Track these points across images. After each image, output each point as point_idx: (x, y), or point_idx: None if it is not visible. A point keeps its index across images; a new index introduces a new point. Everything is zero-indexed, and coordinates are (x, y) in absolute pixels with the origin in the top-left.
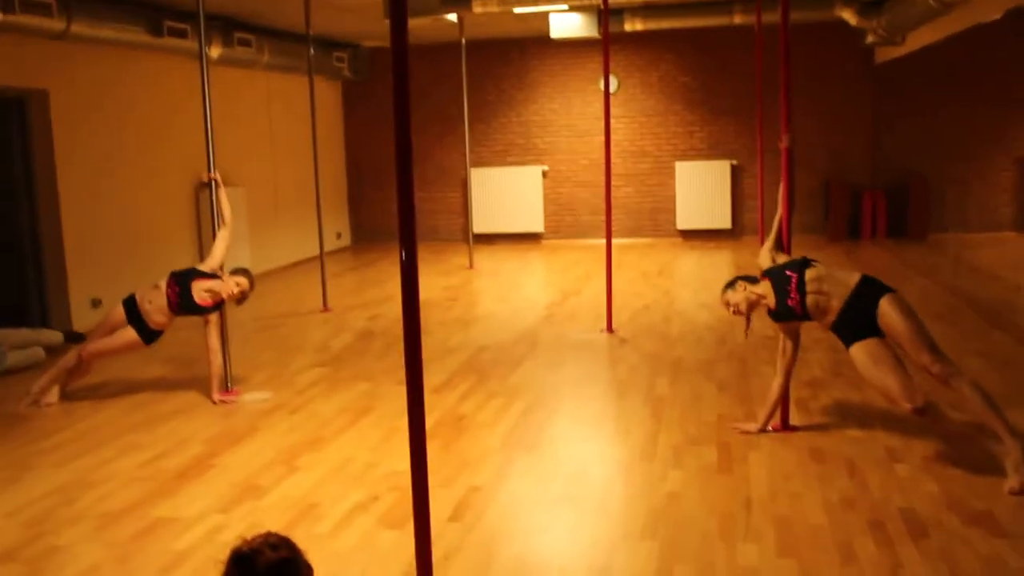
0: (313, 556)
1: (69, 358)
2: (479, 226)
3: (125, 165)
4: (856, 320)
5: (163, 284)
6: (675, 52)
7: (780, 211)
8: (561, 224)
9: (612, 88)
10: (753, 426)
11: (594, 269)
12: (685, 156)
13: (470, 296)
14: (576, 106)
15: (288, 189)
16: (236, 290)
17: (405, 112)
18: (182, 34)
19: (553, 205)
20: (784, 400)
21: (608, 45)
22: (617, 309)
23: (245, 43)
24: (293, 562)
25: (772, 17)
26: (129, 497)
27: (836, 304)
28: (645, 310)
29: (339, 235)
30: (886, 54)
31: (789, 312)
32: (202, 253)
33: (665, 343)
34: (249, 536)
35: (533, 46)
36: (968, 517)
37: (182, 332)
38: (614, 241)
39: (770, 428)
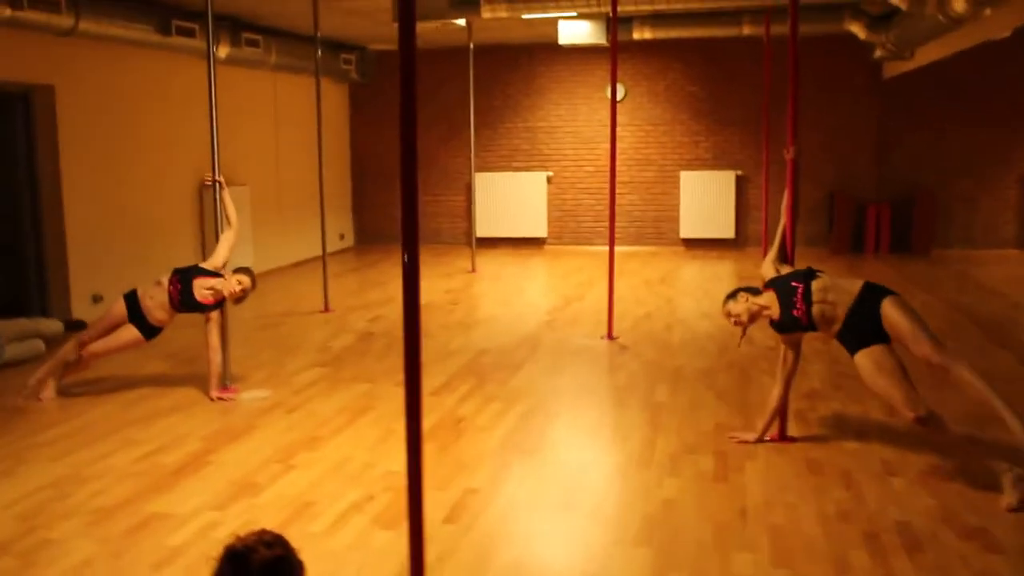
0: (307, 555)
1: (67, 350)
2: (482, 230)
3: (130, 162)
4: (861, 327)
5: (165, 281)
6: (683, 62)
7: (784, 221)
8: (564, 230)
9: (619, 96)
10: (751, 436)
11: (596, 276)
12: (690, 166)
13: (471, 300)
14: (583, 113)
15: (292, 189)
16: (238, 288)
17: (412, 115)
18: (190, 33)
19: (557, 211)
20: (783, 411)
21: (616, 53)
22: (618, 316)
23: (253, 43)
24: (286, 560)
25: (781, 29)
26: (124, 492)
27: (841, 313)
28: (646, 318)
29: (342, 236)
30: (894, 69)
31: (793, 322)
32: (205, 251)
33: (666, 351)
34: (243, 533)
35: (541, 52)
36: (963, 532)
37: (183, 330)
38: (617, 248)
39: (768, 438)
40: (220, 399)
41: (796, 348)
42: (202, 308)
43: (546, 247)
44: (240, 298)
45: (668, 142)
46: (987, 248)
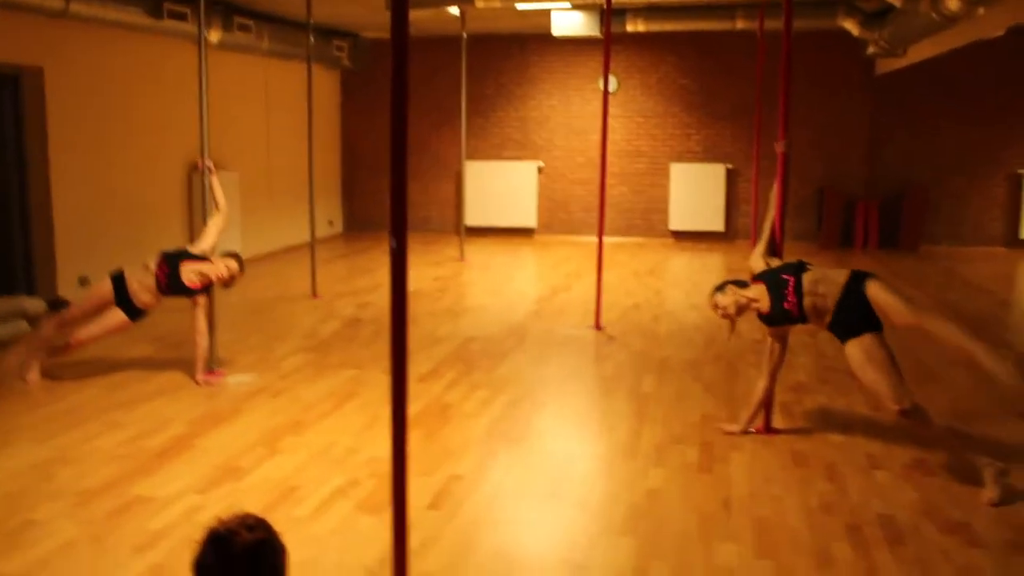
0: (291, 539)
1: (48, 329)
2: (472, 219)
3: (119, 146)
4: (851, 316)
5: (153, 264)
6: (676, 54)
7: (772, 214)
8: (554, 220)
9: (611, 88)
10: (736, 427)
11: (585, 266)
12: (681, 158)
13: (460, 288)
14: (575, 104)
15: (282, 175)
16: (226, 273)
17: (402, 102)
18: (182, 17)
19: (547, 201)
20: (768, 403)
21: (609, 45)
22: (607, 307)
23: (245, 28)
24: (269, 543)
25: (775, 24)
26: (108, 475)
27: (831, 304)
28: (635, 309)
29: (331, 222)
30: (887, 65)
31: (784, 315)
32: (193, 235)
33: (653, 342)
34: (225, 517)
35: (534, 42)
36: (945, 526)
37: (169, 314)
38: (606, 239)
39: (753, 430)
40: (206, 383)
41: (783, 341)
42: (189, 292)
43: (536, 237)
44: (228, 283)
45: (659, 134)
46: (975, 245)
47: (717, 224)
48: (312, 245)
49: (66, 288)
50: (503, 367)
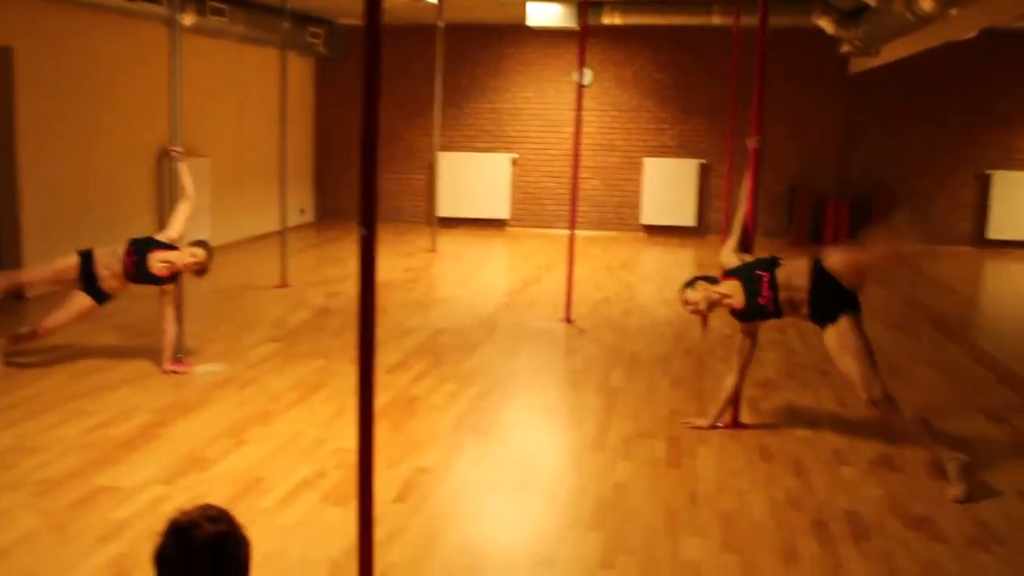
0: (256, 530)
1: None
2: (444, 210)
3: (90, 129)
4: (824, 299)
5: (121, 251)
6: (651, 48)
7: (744, 209)
8: (527, 212)
9: (586, 81)
10: (704, 422)
11: (556, 259)
12: (654, 152)
13: (431, 279)
14: (549, 96)
15: (254, 162)
16: (191, 261)
17: (374, 90)
18: (155, 0)
19: (520, 193)
20: (736, 398)
21: (585, 37)
22: (577, 300)
23: (219, 12)
24: (231, 535)
25: (750, 20)
26: (71, 464)
27: (804, 295)
28: (605, 302)
29: (303, 211)
30: (860, 64)
31: (758, 310)
32: (163, 221)
33: (623, 336)
34: (187, 508)
35: (510, 33)
36: (909, 521)
37: (136, 301)
38: (578, 233)
39: (721, 425)
40: (173, 372)
41: (753, 337)
42: (157, 280)
43: (508, 229)
44: (200, 271)
45: (633, 128)
46: (942, 245)
47: (689, 219)
48: (283, 234)
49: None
50: (472, 359)
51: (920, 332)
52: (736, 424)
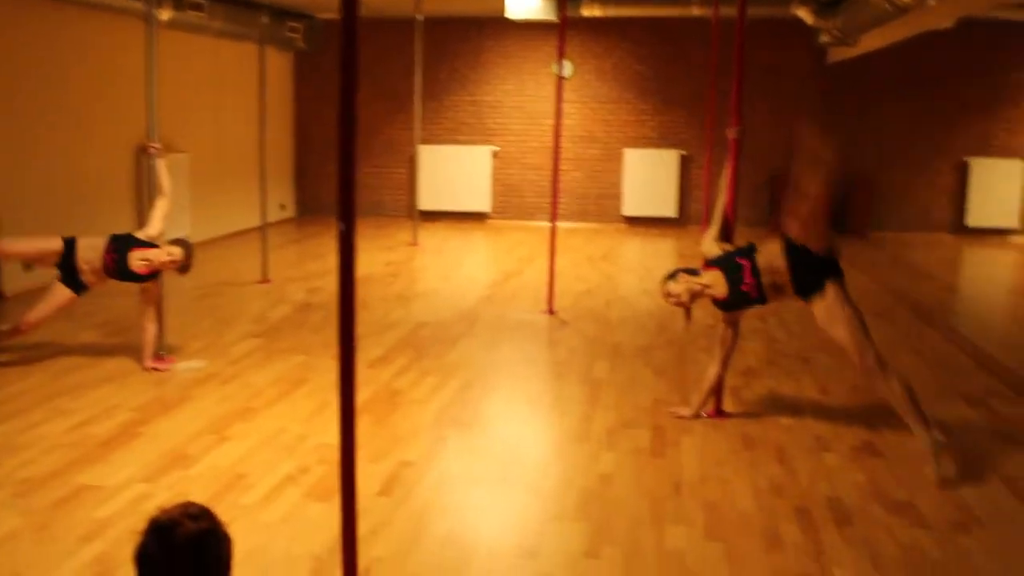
0: (239, 527)
1: None
2: (425, 203)
3: (66, 126)
4: (804, 272)
5: (101, 246)
6: (631, 40)
7: (724, 199)
8: (508, 205)
9: (566, 73)
10: (687, 411)
11: (538, 251)
12: (635, 144)
13: (412, 272)
14: (529, 89)
15: (233, 158)
16: (167, 259)
17: (352, 84)
18: None
19: (501, 185)
20: (719, 387)
21: (565, 29)
22: (559, 292)
23: (196, 7)
24: (213, 533)
25: (729, 11)
26: (53, 463)
27: (787, 277)
28: (587, 294)
29: (283, 206)
30: (839, 54)
31: (742, 298)
32: (141, 218)
33: (605, 327)
34: (168, 506)
35: (489, 26)
36: (891, 506)
37: (116, 298)
38: (559, 224)
39: (704, 414)
40: (154, 370)
41: (735, 326)
42: (137, 278)
43: (489, 221)
44: (183, 270)
45: (614, 120)
46: (921, 232)
47: (670, 210)
48: (263, 229)
49: (11, 273)
50: (454, 352)
51: (900, 319)
52: (719, 413)
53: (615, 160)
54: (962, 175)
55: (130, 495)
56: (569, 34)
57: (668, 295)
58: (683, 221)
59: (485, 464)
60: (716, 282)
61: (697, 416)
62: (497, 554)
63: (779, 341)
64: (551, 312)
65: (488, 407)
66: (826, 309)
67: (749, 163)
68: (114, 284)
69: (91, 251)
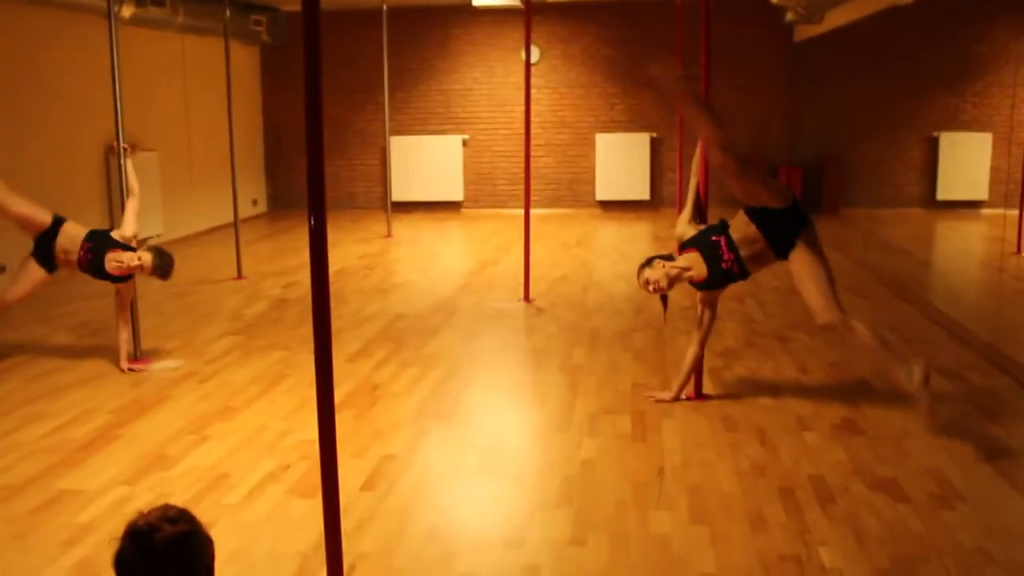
0: (223, 526)
1: None
2: (398, 194)
3: (29, 126)
4: (777, 229)
5: (79, 238)
6: (597, 24)
7: (696, 180)
8: (480, 193)
9: (534, 59)
10: (667, 395)
11: (513, 239)
12: (605, 128)
13: (387, 264)
14: (497, 76)
15: (203, 155)
16: (137, 264)
17: (316, 76)
18: None
19: (473, 174)
20: (698, 369)
21: (530, 15)
22: (535, 279)
23: (158, 3)
24: (193, 535)
25: None
26: (30, 469)
27: (762, 243)
28: (563, 280)
29: (255, 202)
30: (805, 32)
31: (724, 275)
32: (112, 219)
33: (582, 313)
34: (146, 510)
35: (456, 14)
36: (873, 483)
37: (90, 300)
38: (533, 211)
39: (684, 397)
40: (131, 370)
41: (712, 307)
42: (110, 278)
43: (462, 211)
44: (163, 276)
45: (583, 105)
46: (893, 207)
47: (643, 193)
48: (236, 225)
49: None
50: (433, 343)
51: (876, 294)
52: (699, 395)
53: (587, 145)
54: (932, 150)
55: (111, 498)
56: (535, 20)
57: (646, 283)
58: (656, 204)
59: (468, 455)
60: (694, 263)
61: (677, 399)
62: (483, 545)
63: (756, 321)
64: (528, 300)
65: (469, 398)
66: (798, 262)
67: None
68: (89, 285)
69: (70, 241)
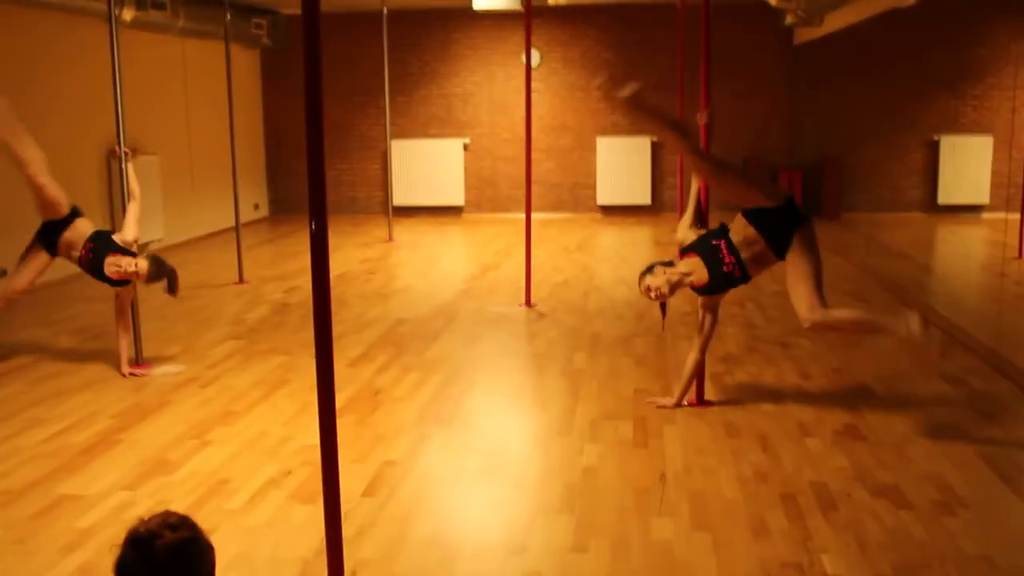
0: (224, 532)
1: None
2: (399, 198)
3: (31, 128)
4: (775, 229)
5: (85, 235)
6: (597, 27)
7: (697, 185)
8: (482, 198)
9: (534, 62)
10: (669, 401)
11: (514, 243)
12: (606, 132)
13: (389, 269)
14: (498, 80)
15: (204, 159)
16: (133, 271)
17: (316, 79)
18: None
19: (474, 179)
20: (700, 375)
21: (531, 18)
22: (536, 284)
23: (159, 6)
24: (194, 542)
25: None
26: (31, 474)
27: (763, 241)
28: (564, 285)
29: (256, 206)
30: (805, 35)
31: (726, 279)
32: (113, 223)
33: (583, 318)
34: (147, 516)
35: (456, 18)
36: (876, 489)
37: (92, 304)
38: (534, 216)
39: (686, 403)
40: (132, 375)
41: (714, 312)
42: (108, 281)
43: (464, 215)
44: (169, 287)
45: (584, 108)
46: (893, 211)
47: (644, 198)
48: (237, 229)
49: None
50: (434, 348)
51: (876, 299)
52: (701, 401)
53: (588, 149)
54: (932, 153)
55: (112, 503)
56: (535, 23)
57: (647, 290)
58: (657, 208)
59: (469, 460)
60: (695, 268)
61: (679, 405)
62: (484, 552)
63: (758, 326)
64: (529, 304)
65: (470, 402)
66: (792, 261)
67: (720, 147)
68: (91, 288)
69: (78, 235)
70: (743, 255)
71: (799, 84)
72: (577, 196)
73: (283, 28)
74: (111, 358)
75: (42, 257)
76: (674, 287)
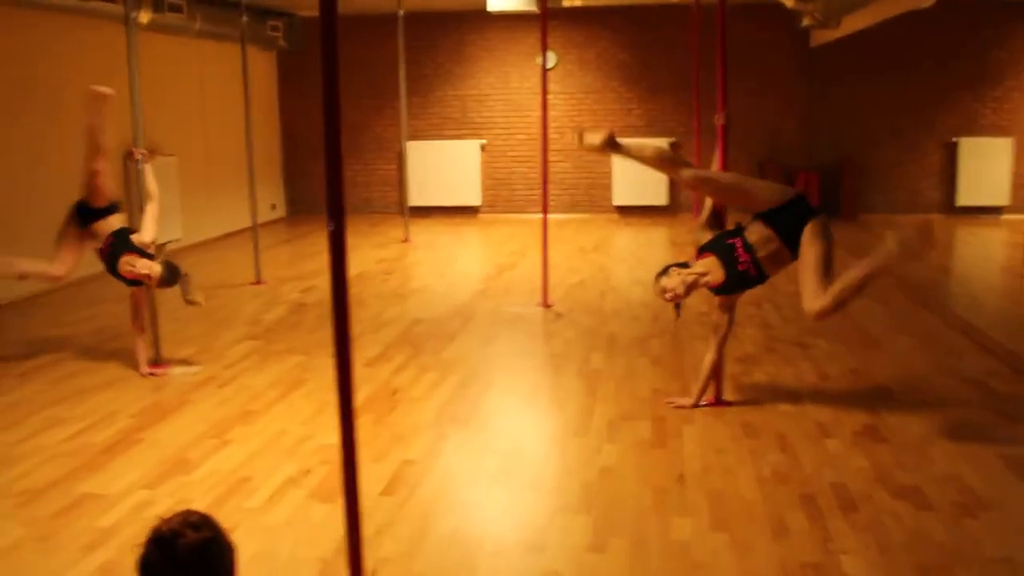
0: (243, 531)
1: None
2: (415, 199)
3: (49, 134)
4: (789, 227)
5: (110, 231)
6: (613, 29)
7: None
8: (498, 198)
9: (550, 64)
10: (687, 401)
11: (530, 244)
12: (622, 133)
13: (405, 269)
14: (513, 81)
15: (221, 160)
16: (146, 272)
17: (334, 81)
18: None
19: (490, 179)
20: (717, 375)
21: (546, 20)
22: (552, 284)
23: (176, 9)
24: (215, 541)
25: None
26: (52, 473)
27: (777, 242)
28: (580, 285)
29: (273, 207)
30: (821, 37)
31: (741, 278)
32: (132, 224)
33: (600, 318)
34: (168, 515)
35: (471, 19)
36: (896, 491)
37: (110, 304)
38: (550, 216)
39: (704, 403)
40: (151, 375)
41: (730, 312)
42: (123, 279)
43: (480, 216)
44: (186, 296)
45: (600, 109)
46: (911, 212)
47: (660, 198)
48: (254, 230)
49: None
50: (451, 348)
51: (895, 301)
52: (719, 401)
53: None
54: (951, 155)
55: (133, 502)
56: (551, 25)
57: (663, 292)
58: (674, 209)
59: (487, 460)
60: (711, 268)
61: (697, 405)
62: (503, 551)
63: (775, 327)
64: (546, 305)
65: (487, 402)
66: (800, 254)
67: (737, 149)
68: (110, 288)
69: (107, 227)
70: (759, 253)
71: (815, 85)
72: (593, 196)
73: (299, 30)
74: (129, 358)
75: (75, 236)
76: (689, 288)
